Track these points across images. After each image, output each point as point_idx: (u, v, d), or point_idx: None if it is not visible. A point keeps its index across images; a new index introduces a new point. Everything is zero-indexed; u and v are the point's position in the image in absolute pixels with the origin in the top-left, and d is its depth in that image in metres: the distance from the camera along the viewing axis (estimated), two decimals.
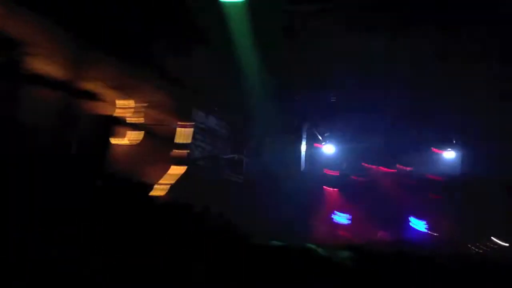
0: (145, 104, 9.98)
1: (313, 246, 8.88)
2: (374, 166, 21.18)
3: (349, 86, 12.85)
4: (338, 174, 21.15)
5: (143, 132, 10.03)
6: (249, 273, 3.59)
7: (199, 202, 9.89)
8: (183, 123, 11.13)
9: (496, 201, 13.75)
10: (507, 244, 14.10)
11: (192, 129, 11.15)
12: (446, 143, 19.02)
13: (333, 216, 21.49)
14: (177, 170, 11.07)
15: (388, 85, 12.32)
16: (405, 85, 12.20)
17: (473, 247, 16.30)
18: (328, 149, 20.30)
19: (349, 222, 21.18)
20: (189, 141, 11.09)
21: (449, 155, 19.13)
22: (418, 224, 20.97)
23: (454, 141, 18.74)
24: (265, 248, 5.02)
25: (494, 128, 12.97)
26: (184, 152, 11.15)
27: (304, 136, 18.03)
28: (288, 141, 15.29)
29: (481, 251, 16.07)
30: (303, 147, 18.08)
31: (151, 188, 10.32)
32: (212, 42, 10.29)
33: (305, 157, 18.08)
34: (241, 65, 11.13)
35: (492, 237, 15.04)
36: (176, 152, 11.25)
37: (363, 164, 21.21)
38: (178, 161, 11.17)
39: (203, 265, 3.49)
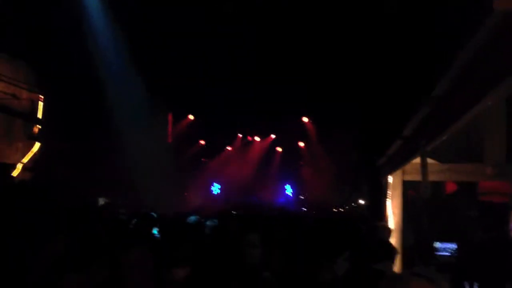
0: None
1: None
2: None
3: None
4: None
5: None
6: None
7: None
8: (35, 96, 10.22)
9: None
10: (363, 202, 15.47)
11: (42, 103, 10.28)
12: None
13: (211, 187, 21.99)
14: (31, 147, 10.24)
15: None
16: None
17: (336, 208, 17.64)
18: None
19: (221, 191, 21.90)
20: (40, 115, 10.22)
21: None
22: (288, 189, 22.26)
23: None
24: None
25: None
26: (36, 127, 10.29)
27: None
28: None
29: (342, 210, 17.49)
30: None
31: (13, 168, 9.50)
32: None
33: None
34: None
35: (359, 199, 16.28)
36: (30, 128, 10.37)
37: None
38: (32, 138, 10.30)
39: None
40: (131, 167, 12.76)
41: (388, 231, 5.17)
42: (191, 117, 19.83)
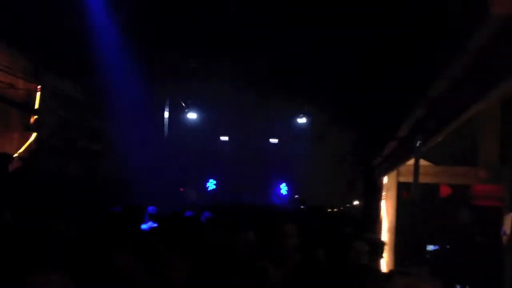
0: None
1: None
2: None
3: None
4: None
5: None
6: None
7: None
8: (32, 86, 10.16)
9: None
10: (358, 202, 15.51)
11: (39, 93, 10.22)
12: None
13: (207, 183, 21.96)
14: (27, 139, 10.17)
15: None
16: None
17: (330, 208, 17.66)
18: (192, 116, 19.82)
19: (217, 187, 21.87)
20: (37, 106, 10.17)
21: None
22: (283, 188, 22.26)
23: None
24: None
25: None
26: (33, 118, 10.23)
27: (167, 104, 17.58)
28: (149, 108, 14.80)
29: (335, 210, 17.53)
30: (166, 114, 17.69)
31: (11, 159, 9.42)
32: None
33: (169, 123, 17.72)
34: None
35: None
36: (27, 119, 10.32)
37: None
38: (29, 129, 10.23)
39: None
40: (127, 161, 12.72)
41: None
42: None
